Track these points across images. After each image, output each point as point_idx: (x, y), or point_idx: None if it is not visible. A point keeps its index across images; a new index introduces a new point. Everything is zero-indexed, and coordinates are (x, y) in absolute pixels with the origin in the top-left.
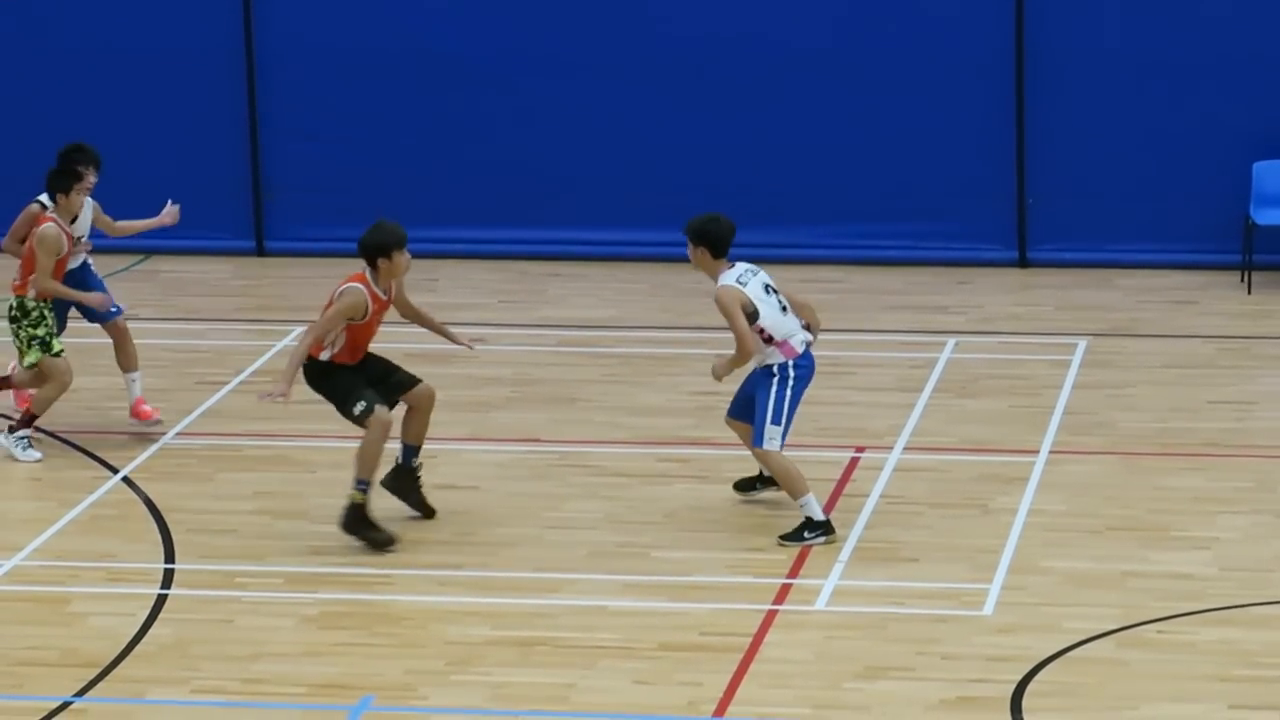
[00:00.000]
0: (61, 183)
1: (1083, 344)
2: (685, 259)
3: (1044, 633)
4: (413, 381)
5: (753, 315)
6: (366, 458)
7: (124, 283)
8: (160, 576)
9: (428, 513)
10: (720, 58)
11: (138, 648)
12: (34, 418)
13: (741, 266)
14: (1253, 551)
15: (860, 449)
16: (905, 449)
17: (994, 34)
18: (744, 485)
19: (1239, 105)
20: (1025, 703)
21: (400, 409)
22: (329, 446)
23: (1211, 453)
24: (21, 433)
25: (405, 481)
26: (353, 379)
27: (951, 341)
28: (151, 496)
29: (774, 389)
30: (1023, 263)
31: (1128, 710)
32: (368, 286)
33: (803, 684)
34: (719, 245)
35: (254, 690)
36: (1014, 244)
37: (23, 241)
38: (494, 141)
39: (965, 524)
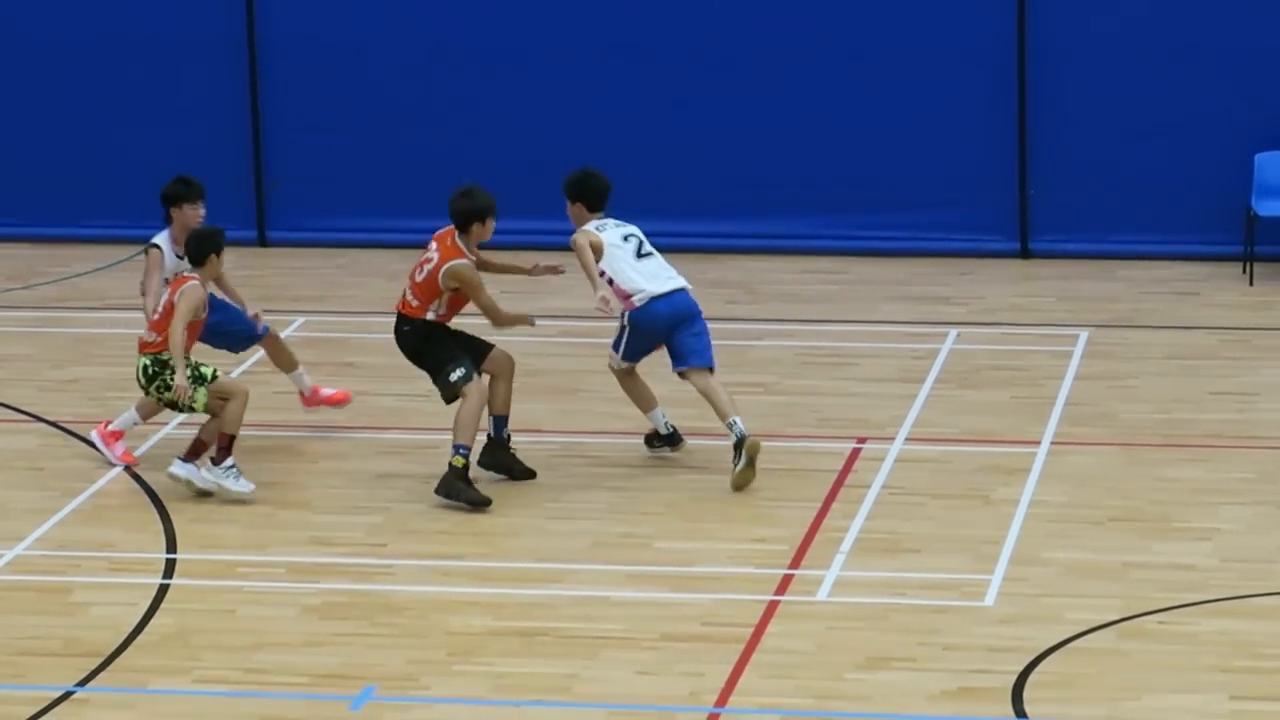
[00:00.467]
0: (214, 244)
1: (1084, 335)
2: (688, 249)
3: (1045, 623)
4: (488, 347)
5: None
6: (467, 425)
7: (126, 273)
8: (162, 566)
9: (529, 473)
10: (721, 47)
11: (140, 637)
12: (231, 440)
13: (609, 220)
14: (1254, 543)
15: (862, 440)
16: (907, 440)
17: (996, 24)
18: (650, 440)
19: (1241, 96)
20: (1026, 693)
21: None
22: (331, 437)
23: (1213, 444)
24: (227, 462)
25: (501, 454)
26: (454, 345)
27: (953, 332)
28: (153, 486)
29: (619, 333)
30: (1024, 254)
31: (1129, 701)
32: (465, 255)
33: (804, 675)
34: (595, 199)
35: (256, 680)
36: (1016, 235)
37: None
38: (495, 132)
39: (967, 515)
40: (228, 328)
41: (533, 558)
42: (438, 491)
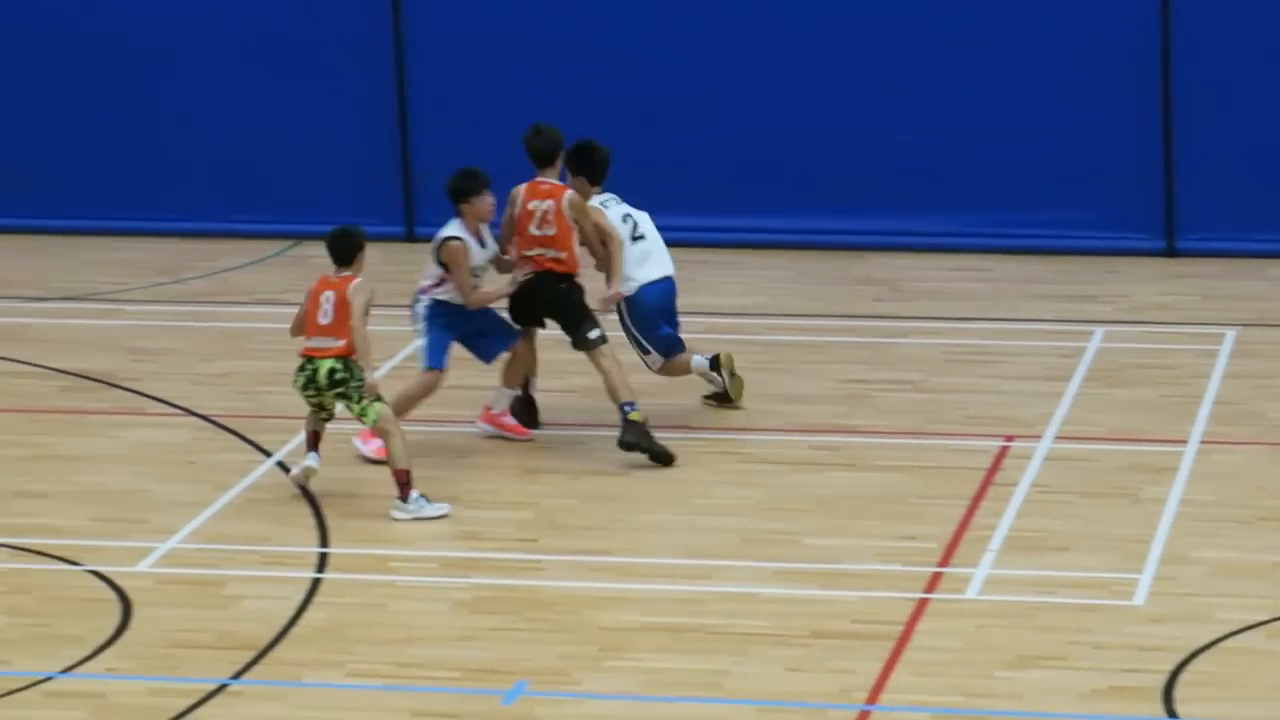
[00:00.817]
0: (360, 242)
1: (1231, 334)
2: (834, 246)
3: (1195, 623)
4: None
5: None
6: (624, 383)
7: (274, 268)
8: (314, 560)
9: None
10: (865, 44)
11: (293, 631)
12: (407, 473)
13: (608, 195)
14: None
15: (1009, 438)
16: (1055, 438)
17: (1140, 19)
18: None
19: None
20: (1177, 693)
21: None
22: (481, 431)
23: None
24: (413, 495)
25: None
26: (587, 303)
27: (1100, 331)
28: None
29: (630, 336)
30: (1170, 252)
31: (1279, 701)
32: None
33: (954, 672)
34: (598, 173)
35: (408, 674)
36: (1161, 233)
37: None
38: (642, 128)
39: (1115, 513)
40: (486, 332)
41: (682, 554)
42: (623, 444)
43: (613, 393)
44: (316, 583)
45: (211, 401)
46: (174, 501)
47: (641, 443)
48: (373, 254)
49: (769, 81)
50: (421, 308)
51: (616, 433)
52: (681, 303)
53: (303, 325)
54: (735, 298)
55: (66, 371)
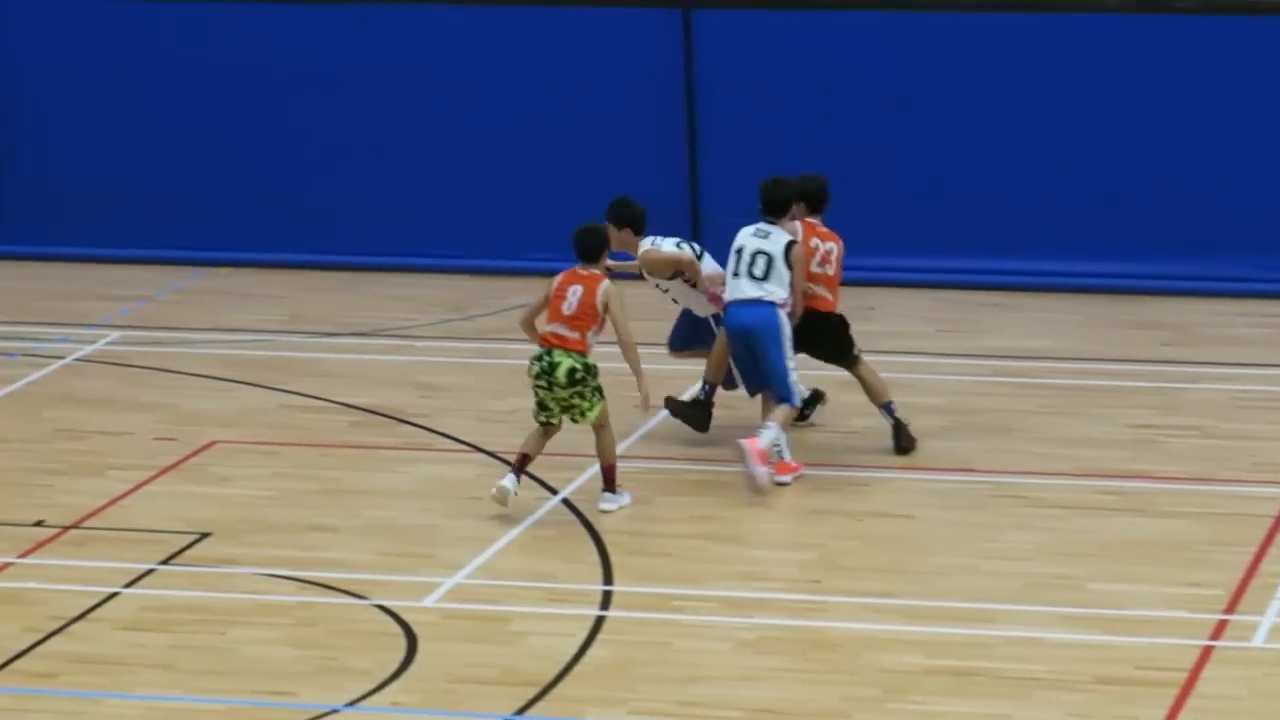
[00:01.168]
0: (606, 239)
1: None
2: (1122, 290)
3: None
4: None
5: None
6: (883, 385)
7: None
8: (599, 598)
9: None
10: (1156, 88)
11: (576, 668)
12: (613, 468)
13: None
14: None
15: None
16: None
17: None
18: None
19: None
20: None
21: None
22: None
23: None
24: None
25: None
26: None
27: None
28: (590, 519)
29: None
30: None
31: None
32: None
33: None
34: (640, 224)
35: (691, 713)
36: None
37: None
38: (927, 169)
39: None
40: None
41: (965, 597)
42: (902, 450)
43: (881, 393)
44: (600, 620)
45: (498, 438)
46: (460, 537)
47: (911, 445)
48: (656, 291)
49: (1058, 124)
50: (790, 327)
51: (903, 474)
52: (966, 345)
53: (534, 315)
54: (1021, 340)
55: (356, 406)
